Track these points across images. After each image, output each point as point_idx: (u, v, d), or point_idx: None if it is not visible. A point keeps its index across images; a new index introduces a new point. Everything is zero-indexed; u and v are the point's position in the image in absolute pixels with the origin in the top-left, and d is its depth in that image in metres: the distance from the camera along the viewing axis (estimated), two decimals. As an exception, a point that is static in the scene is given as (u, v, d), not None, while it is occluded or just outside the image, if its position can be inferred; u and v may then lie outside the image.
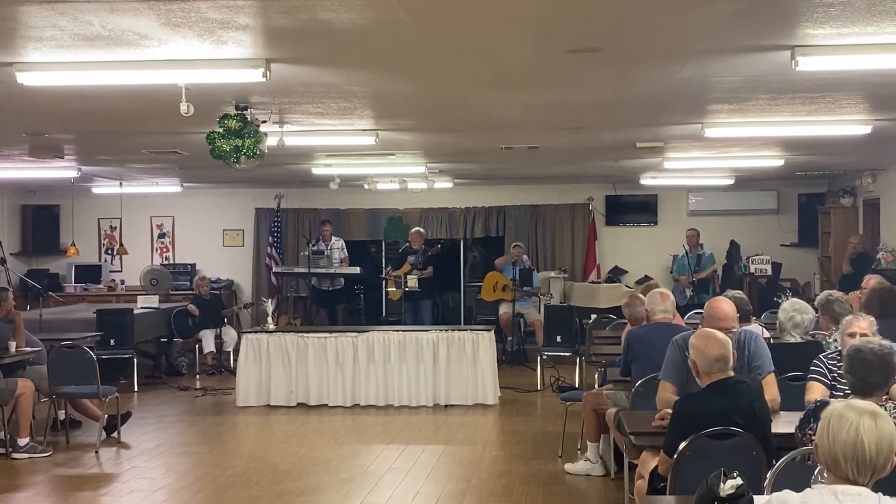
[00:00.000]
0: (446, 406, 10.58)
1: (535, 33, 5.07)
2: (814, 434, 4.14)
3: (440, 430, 9.59)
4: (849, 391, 4.39)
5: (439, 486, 7.41)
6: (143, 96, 6.63)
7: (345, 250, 14.73)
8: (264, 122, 7.29)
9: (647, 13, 4.68)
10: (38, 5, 4.36)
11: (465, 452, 8.51)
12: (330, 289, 14.55)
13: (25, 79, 5.67)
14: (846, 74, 6.08)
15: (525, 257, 14.14)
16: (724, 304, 5.68)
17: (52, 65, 5.53)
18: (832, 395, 5.07)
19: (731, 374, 4.72)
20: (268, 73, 5.52)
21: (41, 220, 16.20)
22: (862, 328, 5.41)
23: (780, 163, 11.63)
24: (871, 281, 8.04)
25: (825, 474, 2.93)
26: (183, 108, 5.94)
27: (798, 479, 3.80)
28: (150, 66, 5.48)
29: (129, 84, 5.91)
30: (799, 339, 6.45)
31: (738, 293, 7.03)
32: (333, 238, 14.73)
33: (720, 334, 4.85)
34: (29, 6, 4.39)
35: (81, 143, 9.88)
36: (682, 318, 9.84)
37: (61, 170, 11.70)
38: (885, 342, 4.49)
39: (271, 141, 7.50)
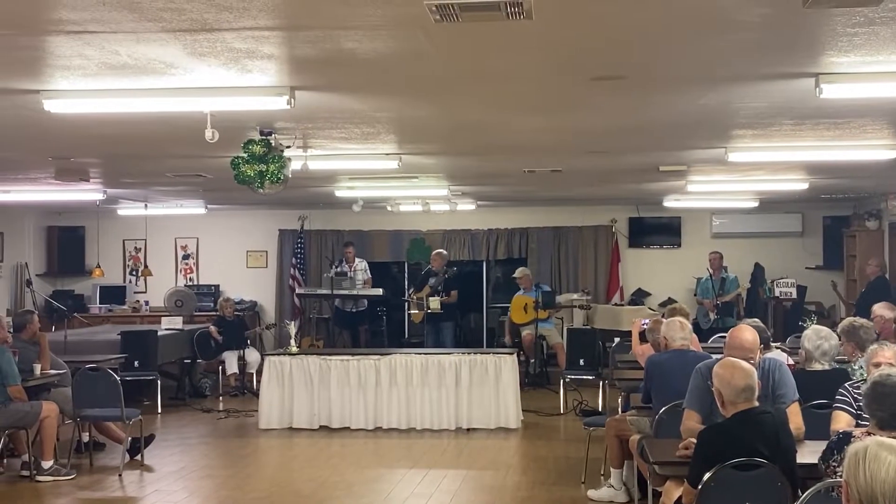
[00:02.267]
0: (468, 429, 10.55)
1: (559, 62, 5.08)
2: (838, 466, 4.11)
3: (462, 455, 9.56)
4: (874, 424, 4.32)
5: (461, 511, 7.39)
6: (168, 122, 6.68)
7: (368, 272, 14.75)
8: (288, 147, 7.33)
9: (670, 42, 4.68)
10: (65, 35, 4.41)
11: (487, 478, 8.48)
12: (353, 310, 14.57)
13: (52, 106, 5.73)
14: (871, 101, 6.04)
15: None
16: (746, 333, 5.64)
17: (79, 92, 5.59)
18: (858, 425, 5.01)
19: (757, 404, 4.68)
20: (292, 100, 5.55)
21: (67, 242, 16.32)
22: (887, 357, 5.36)
23: (805, 186, 11.57)
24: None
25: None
26: (208, 134, 5.97)
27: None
28: (175, 93, 5.53)
29: (155, 111, 5.96)
30: (826, 367, 6.39)
31: (755, 321, 6.95)
32: (357, 259, 14.75)
33: (745, 364, 4.81)
34: (56, 36, 4.45)
35: (107, 166, 9.96)
36: (706, 342, 9.83)
37: (87, 192, 11.79)
38: None
39: (295, 165, 7.53)
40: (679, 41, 4.68)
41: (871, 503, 2.79)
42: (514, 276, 14.17)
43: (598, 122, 7.15)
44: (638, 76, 5.43)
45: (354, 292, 14.31)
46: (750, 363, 4.98)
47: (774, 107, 6.36)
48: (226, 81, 5.33)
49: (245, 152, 6.94)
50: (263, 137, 6.99)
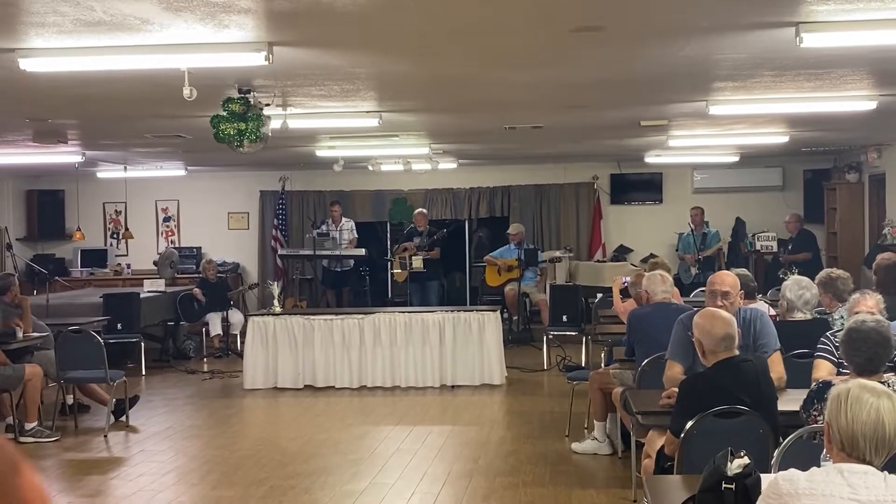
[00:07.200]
0: (453, 387, 10.61)
1: (538, 13, 5.04)
2: (819, 414, 4.15)
3: (447, 411, 9.61)
4: (853, 371, 4.36)
5: (447, 466, 7.44)
6: (146, 81, 6.62)
7: (354, 231, 14.71)
8: (267, 105, 7.28)
9: (650, -9, 4.66)
10: (39, -10, 4.35)
11: (472, 433, 8.53)
12: (340, 269, 14.54)
13: (28, 65, 5.66)
14: (851, 50, 6.03)
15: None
16: (724, 274, 5.75)
17: (55, 50, 5.51)
18: (839, 373, 5.06)
19: (737, 352, 4.72)
20: (270, 56, 5.50)
21: (46, 205, 16.21)
22: (869, 306, 5.40)
23: (786, 139, 11.59)
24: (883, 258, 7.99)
25: (830, 453, 2.93)
26: (186, 92, 5.91)
27: (805, 458, 3.81)
28: (152, 50, 5.46)
29: (132, 69, 5.89)
30: (808, 317, 6.44)
31: (743, 271, 7.00)
32: (344, 219, 14.71)
33: (725, 313, 4.84)
34: (30, -9, 4.38)
35: (85, 127, 9.87)
36: (688, 296, 9.87)
37: (65, 155, 11.70)
38: (879, 318, 4.49)
39: (275, 124, 7.49)
40: (659, -9, 4.65)
41: (853, 444, 2.82)
42: (509, 231, 14.13)
43: (577, 76, 7.12)
44: (617, 27, 5.39)
45: (337, 253, 14.28)
46: (729, 303, 5.02)
47: (755, 58, 6.34)
48: (203, 37, 5.26)
49: (224, 110, 6.90)
50: (242, 95, 6.94)
